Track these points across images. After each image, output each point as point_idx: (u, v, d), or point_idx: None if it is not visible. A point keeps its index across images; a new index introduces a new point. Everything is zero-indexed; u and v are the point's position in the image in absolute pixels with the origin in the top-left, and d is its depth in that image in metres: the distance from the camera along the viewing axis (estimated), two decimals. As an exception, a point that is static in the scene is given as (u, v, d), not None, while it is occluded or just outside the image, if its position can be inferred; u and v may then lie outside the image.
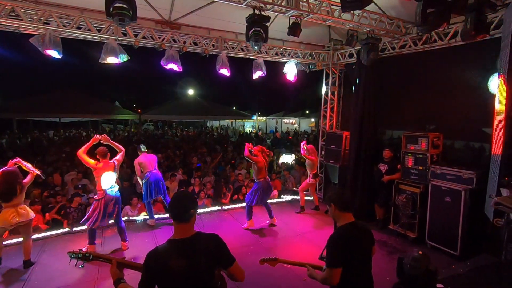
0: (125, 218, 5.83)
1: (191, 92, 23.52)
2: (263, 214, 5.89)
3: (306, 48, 7.10)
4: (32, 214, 4.18)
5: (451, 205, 4.49)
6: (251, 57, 6.53)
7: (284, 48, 6.74)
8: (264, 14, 4.34)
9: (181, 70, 5.64)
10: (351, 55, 6.73)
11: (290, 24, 4.82)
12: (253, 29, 4.18)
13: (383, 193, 5.59)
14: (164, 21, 5.80)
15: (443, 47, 4.95)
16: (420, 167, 5.06)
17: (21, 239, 4.18)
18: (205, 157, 10.70)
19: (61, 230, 5.15)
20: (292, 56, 6.81)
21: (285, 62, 6.86)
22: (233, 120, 29.29)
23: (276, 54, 6.67)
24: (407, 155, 5.24)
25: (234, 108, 27.21)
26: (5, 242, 4.39)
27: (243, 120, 28.82)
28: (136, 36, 5.34)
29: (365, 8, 4.45)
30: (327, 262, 2.08)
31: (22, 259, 4.12)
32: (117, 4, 3.72)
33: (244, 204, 6.76)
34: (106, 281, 3.78)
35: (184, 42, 5.74)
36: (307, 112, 28.45)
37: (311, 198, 6.82)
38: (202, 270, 1.69)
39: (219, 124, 30.29)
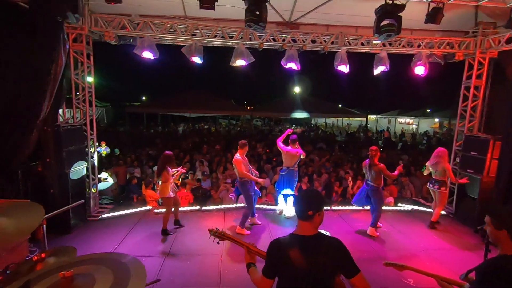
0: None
1: (297, 89, 23.88)
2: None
3: (443, 35, 6.06)
4: (166, 194, 4.86)
5: None
6: (372, 52, 6.07)
7: (414, 38, 5.96)
8: (398, 3, 3.93)
9: (299, 68, 5.79)
10: (509, 40, 5.34)
11: (430, 10, 4.20)
12: (385, 21, 3.84)
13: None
14: (285, 22, 6.07)
15: None
16: None
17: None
18: (310, 155, 10.69)
19: (194, 208, 6.19)
20: (424, 47, 5.95)
21: (413, 55, 6.09)
22: (339, 118, 28.12)
23: (403, 46, 5.97)
24: None
25: (340, 105, 26.04)
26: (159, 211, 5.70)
27: (350, 118, 27.31)
28: (260, 38, 5.80)
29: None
30: None
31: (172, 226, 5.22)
32: (251, 13, 4.12)
33: (353, 207, 6.49)
34: (229, 258, 4.32)
35: (303, 41, 5.85)
36: (429, 110, 24.49)
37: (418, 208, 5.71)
38: (321, 271, 1.66)
39: (324, 122, 29.66)
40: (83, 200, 5.08)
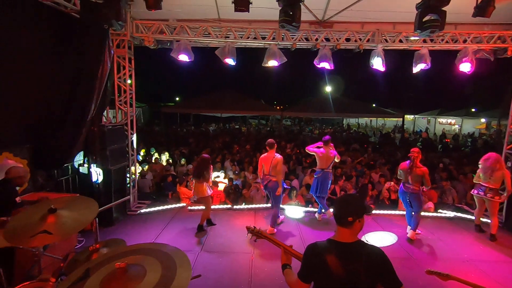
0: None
1: (328, 89, 23.34)
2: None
3: (492, 29, 5.59)
4: (204, 193, 5.05)
5: None
6: (412, 48, 5.77)
7: (459, 33, 5.56)
8: (442, -4, 3.71)
9: (332, 68, 5.67)
10: None
11: (479, 2, 3.89)
12: (428, 16, 3.63)
13: None
14: (318, 21, 5.97)
15: None
16: None
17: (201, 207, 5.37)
18: (342, 156, 10.41)
19: (226, 206, 6.33)
20: (470, 42, 5.53)
21: (457, 51, 5.69)
22: (373, 119, 27.02)
23: (447, 41, 5.60)
24: None
25: (374, 105, 24.98)
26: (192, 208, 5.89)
27: (384, 118, 26.15)
28: (292, 38, 5.77)
29: None
30: None
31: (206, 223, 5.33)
32: (285, 13, 4.12)
33: (389, 212, 6.22)
34: (260, 257, 4.36)
35: (337, 40, 5.72)
36: (474, 110, 22.72)
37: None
38: (359, 281, 1.59)
39: (356, 123, 28.70)
40: (129, 196, 5.43)
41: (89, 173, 5.17)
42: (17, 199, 3.18)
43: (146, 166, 8.37)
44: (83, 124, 4.55)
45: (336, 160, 5.55)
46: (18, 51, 3.92)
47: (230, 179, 7.39)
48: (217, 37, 5.72)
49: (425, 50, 5.49)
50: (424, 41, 5.66)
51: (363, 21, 5.98)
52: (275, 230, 5.14)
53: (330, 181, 5.61)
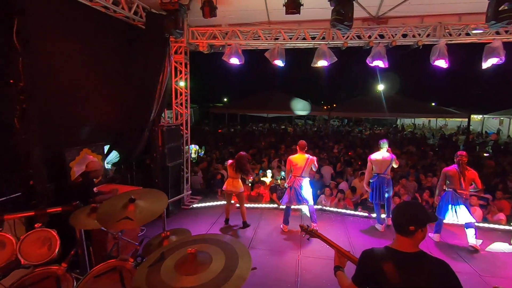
0: (319, 206, 6.41)
1: (381, 87, 21.96)
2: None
3: None
4: (241, 189, 5.25)
5: None
6: (481, 41, 5.20)
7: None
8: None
9: (387, 66, 5.38)
10: None
11: None
12: (505, 5, 3.26)
13: None
14: (371, 17, 5.72)
15: None
16: None
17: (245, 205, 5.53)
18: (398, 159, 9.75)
19: (272, 205, 6.44)
20: (557, 31, 4.79)
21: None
22: (432, 119, 24.73)
23: (526, 31, 4.93)
24: None
25: (434, 104, 22.77)
26: (237, 205, 6.11)
27: (445, 119, 23.73)
28: (343, 37, 5.61)
29: None
30: None
31: (251, 221, 5.49)
32: (337, 13, 4.06)
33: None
34: (306, 258, 4.36)
35: (393, 36, 5.42)
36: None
37: None
38: None
39: (412, 123, 26.56)
40: (189, 192, 5.84)
41: (152, 168, 5.70)
42: (94, 189, 3.68)
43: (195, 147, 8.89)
44: (146, 125, 5.04)
45: (394, 165, 5.18)
46: (95, 61, 4.51)
47: (283, 179, 7.35)
48: (266, 39, 5.84)
49: (499, 43, 4.89)
50: (497, 32, 5.05)
51: (423, 15, 5.56)
52: (316, 225, 5.09)
53: (387, 188, 5.19)
